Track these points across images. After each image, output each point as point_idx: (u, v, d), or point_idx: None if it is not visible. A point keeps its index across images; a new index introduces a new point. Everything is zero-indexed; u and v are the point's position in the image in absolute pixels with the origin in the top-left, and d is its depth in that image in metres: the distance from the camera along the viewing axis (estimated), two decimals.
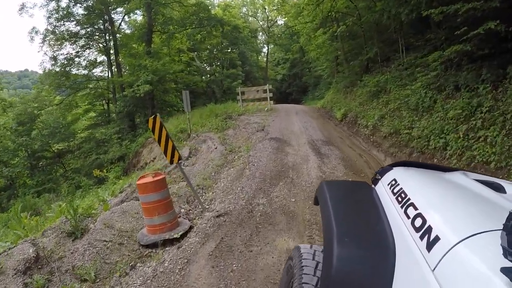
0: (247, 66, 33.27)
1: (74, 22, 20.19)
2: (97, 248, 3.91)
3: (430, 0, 7.01)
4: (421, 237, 0.99)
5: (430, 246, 0.93)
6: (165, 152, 4.55)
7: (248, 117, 12.93)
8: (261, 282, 3.08)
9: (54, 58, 20.10)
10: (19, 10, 19.08)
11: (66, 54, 20.44)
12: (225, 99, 21.79)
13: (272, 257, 3.44)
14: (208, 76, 30.73)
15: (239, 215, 4.54)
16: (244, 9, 39.82)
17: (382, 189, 1.54)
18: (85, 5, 20.08)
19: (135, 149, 15.87)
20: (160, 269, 3.42)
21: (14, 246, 3.95)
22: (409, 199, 1.23)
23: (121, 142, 17.84)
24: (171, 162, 4.61)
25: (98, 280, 3.46)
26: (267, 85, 15.84)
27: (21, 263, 3.55)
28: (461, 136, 5.23)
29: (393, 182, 1.47)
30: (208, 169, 6.97)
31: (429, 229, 0.98)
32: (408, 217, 1.14)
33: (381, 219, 1.33)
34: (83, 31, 20.77)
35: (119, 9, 21.51)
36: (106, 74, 22.87)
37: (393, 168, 1.68)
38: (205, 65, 31.61)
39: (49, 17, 19.51)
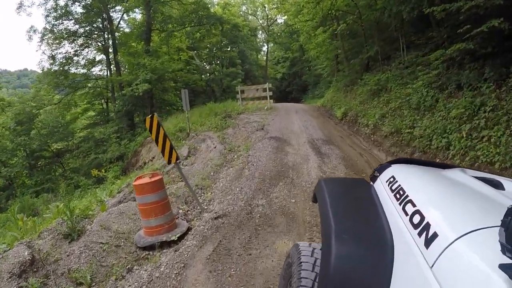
0: (247, 64, 33.21)
1: (73, 21, 20.12)
2: (94, 251, 3.84)
3: None
4: (419, 234, 0.99)
5: (428, 242, 0.93)
6: (163, 152, 4.47)
7: (247, 116, 12.85)
8: (260, 287, 3.00)
9: (53, 57, 20.02)
10: (17, 8, 18.99)
11: (65, 53, 20.37)
12: (224, 98, 21.72)
13: (272, 261, 3.35)
14: (208, 74, 30.63)
15: (238, 217, 4.46)
16: (244, 8, 39.72)
17: (381, 186, 1.54)
18: (83, 3, 19.99)
19: (134, 148, 15.79)
20: (156, 274, 3.32)
21: (10, 249, 3.88)
22: (407, 196, 1.23)
23: (120, 141, 17.76)
24: (169, 162, 4.53)
25: (94, 283, 3.39)
26: (267, 83, 15.76)
27: (16, 266, 3.48)
28: (464, 135, 5.15)
29: (392, 179, 1.47)
30: (207, 169, 6.89)
31: (427, 225, 0.98)
32: (407, 214, 1.14)
33: (379, 216, 1.33)
34: (81, 30, 20.67)
35: (118, 8, 21.45)
36: (105, 73, 22.80)
37: (392, 165, 1.69)
38: (204, 63, 31.49)
39: (47, 16, 19.42)
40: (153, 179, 4.12)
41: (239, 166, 6.76)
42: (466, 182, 1.36)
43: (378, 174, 1.68)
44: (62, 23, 19.85)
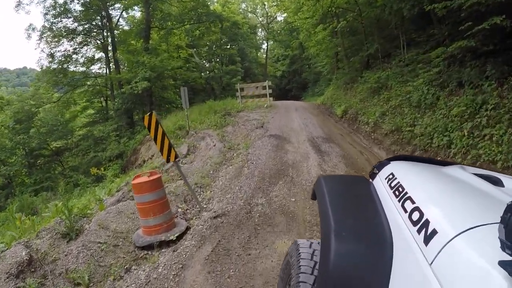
0: (247, 62, 33.13)
1: (72, 19, 20.06)
2: (92, 250, 3.80)
3: None
4: (419, 231, 0.98)
5: (427, 240, 0.92)
6: (161, 151, 4.42)
7: (247, 113, 12.80)
8: None
9: (52, 55, 19.97)
10: (16, 6, 18.92)
11: (64, 51, 20.34)
12: (224, 96, 21.69)
13: (272, 261, 3.31)
14: (207, 72, 30.54)
15: (237, 216, 4.42)
16: (244, 5, 39.56)
17: (380, 183, 1.54)
18: (82, 1, 19.91)
19: (133, 146, 15.76)
20: (154, 275, 3.29)
21: (7, 249, 3.84)
22: (406, 193, 1.22)
23: (119, 139, 17.74)
24: (168, 160, 4.48)
25: (92, 284, 3.36)
26: (267, 81, 15.72)
27: (13, 267, 3.44)
28: (466, 134, 5.11)
29: (391, 176, 1.47)
30: (207, 167, 6.85)
31: (427, 222, 0.98)
32: (406, 211, 1.13)
33: (378, 213, 1.33)
34: (80, 28, 20.60)
35: (117, 5, 21.38)
36: (104, 71, 22.71)
37: (391, 162, 1.68)
38: (204, 61, 31.40)
39: (46, 14, 19.36)
40: (151, 178, 4.08)
41: (239, 164, 6.72)
42: (465, 179, 1.36)
43: (377, 171, 1.67)
44: (61, 21, 19.82)
